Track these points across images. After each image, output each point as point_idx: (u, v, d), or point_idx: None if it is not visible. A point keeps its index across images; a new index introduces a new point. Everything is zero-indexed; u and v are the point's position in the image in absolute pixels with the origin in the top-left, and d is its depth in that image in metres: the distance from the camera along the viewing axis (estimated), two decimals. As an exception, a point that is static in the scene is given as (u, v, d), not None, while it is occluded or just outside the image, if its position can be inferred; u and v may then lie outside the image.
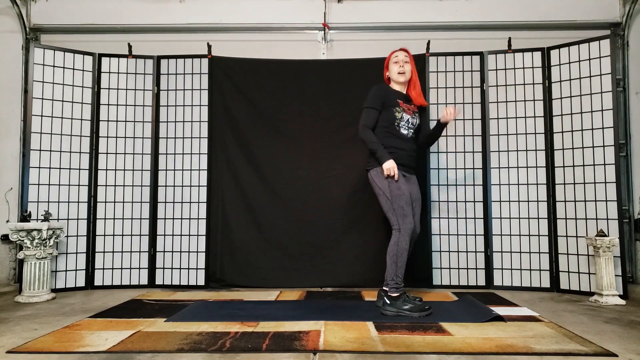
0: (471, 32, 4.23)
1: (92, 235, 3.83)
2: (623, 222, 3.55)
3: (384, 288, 2.90)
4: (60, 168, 3.75)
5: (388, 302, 2.82)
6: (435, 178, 3.89)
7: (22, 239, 3.36)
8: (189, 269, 3.86)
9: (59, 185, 3.74)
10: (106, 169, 3.88)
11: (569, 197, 3.63)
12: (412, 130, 3.04)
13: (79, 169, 3.82)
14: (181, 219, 3.90)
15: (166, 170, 3.94)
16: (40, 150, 3.69)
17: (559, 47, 3.74)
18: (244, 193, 3.94)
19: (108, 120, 3.92)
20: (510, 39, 3.90)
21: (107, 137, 3.91)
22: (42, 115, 3.71)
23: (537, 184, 3.76)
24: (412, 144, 3.06)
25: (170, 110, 3.98)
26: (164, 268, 3.87)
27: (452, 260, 3.82)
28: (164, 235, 3.89)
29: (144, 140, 3.95)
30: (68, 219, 3.75)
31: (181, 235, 3.89)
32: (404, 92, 3.10)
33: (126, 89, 3.96)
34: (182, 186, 3.92)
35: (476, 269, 3.80)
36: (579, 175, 3.60)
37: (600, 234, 3.28)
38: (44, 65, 3.75)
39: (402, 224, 2.85)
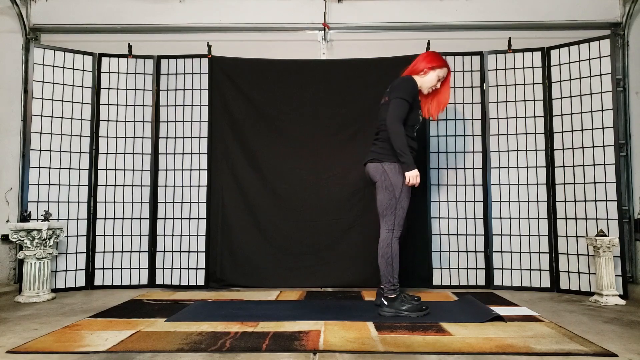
0: (471, 32, 4.23)
1: (92, 235, 3.83)
2: (623, 222, 3.55)
3: (382, 286, 2.90)
4: (60, 168, 3.75)
5: (386, 303, 2.82)
6: (435, 178, 3.89)
7: (22, 239, 3.36)
8: (189, 268, 3.86)
9: (59, 185, 3.74)
10: (106, 169, 3.88)
11: (569, 197, 3.63)
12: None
13: (79, 169, 3.82)
14: (181, 219, 3.90)
15: (166, 170, 3.94)
16: (40, 150, 3.69)
17: (559, 47, 3.74)
18: (244, 193, 3.94)
19: (108, 120, 3.92)
20: (510, 39, 3.90)
21: (107, 137, 3.91)
22: (42, 115, 3.71)
23: (537, 184, 3.76)
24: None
25: (170, 110, 3.98)
26: (164, 268, 3.87)
27: (452, 260, 3.82)
28: (164, 235, 3.89)
29: (144, 140, 3.95)
30: (68, 219, 3.75)
31: (181, 235, 3.89)
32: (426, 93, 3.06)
33: (126, 89, 3.96)
34: (182, 186, 3.92)
35: (476, 269, 3.80)
36: (579, 175, 3.60)
37: (600, 234, 3.28)
38: (44, 65, 3.75)
39: (397, 226, 2.84)
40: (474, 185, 3.86)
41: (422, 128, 3.84)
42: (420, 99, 3.01)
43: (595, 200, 3.51)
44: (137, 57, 3.99)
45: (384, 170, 2.83)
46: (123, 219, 3.87)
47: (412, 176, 2.76)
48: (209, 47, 4.00)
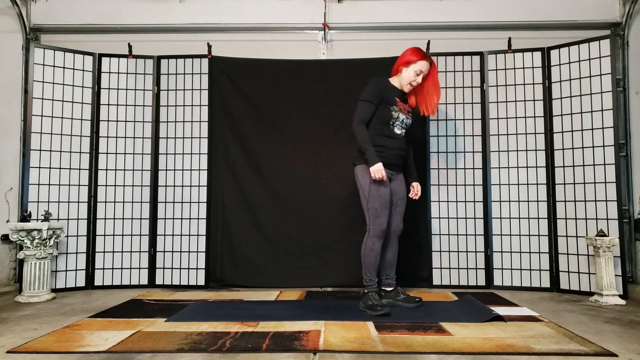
0: (471, 32, 4.22)
1: (92, 235, 3.83)
2: (623, 222, 3.55)
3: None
4: (60, 168, 3.75)
5: (362, 296, 2.92)
6: (435, 178, 3.88)
7: (22, 239, 3.36)
8: (189, 268, 3.86)
9: (59, 185, 3.74)
10: (106, 169, 3.88)
11: (569, 197, 3.63)
12: (404, 130, 3.03)
13: (79, 169, 3.82)
14: (181, 219, 3.90)
15: (166, 170, 3.94)
16: (40, 150, 3.69)
17: (559, 47, 3.74)
18: (244, 193, 3.94)
19: (108, 120, 3.92)
20: (510, 39, 3.90)
21: (107, 137, 3.91)
22: (42, 115, 3.71)
23: (537, 184, 3.76)
24: (403, 143, 3.04)
25: (170, 110, 3.98)
26: (164, 268, 3.87)
27: (452, 260, 3.81)
28: (164, 235, 3.89)
29: (144, 140, 3.95)
30: (68, 219, 3.75)
31: (181, 235, 3.89)
32: (402, 90, 3.07)
33: (126, 89, 3.96)
34: (182, 186, 3.92)
35: (476, 268, 3.80)
36: (579, 175, 3.60)
37: (600, 234, 3.28)
38: (44, 65, 3.75)
39: (372, 224, 2.88)
40: (474, 185, 3.85)
41: (422, 128, 3.86)
42: (411, 96, 3.07)
43: (595, 200, 3.51)
44: (137, 57, 3.99)
45: (356, 173, 2.97)
46: (123, 219, 3.87)
47: (375, 170, 2.81)
48: (209, 47, 4.00)
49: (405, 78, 2.99)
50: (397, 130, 2.98)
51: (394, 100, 2.98)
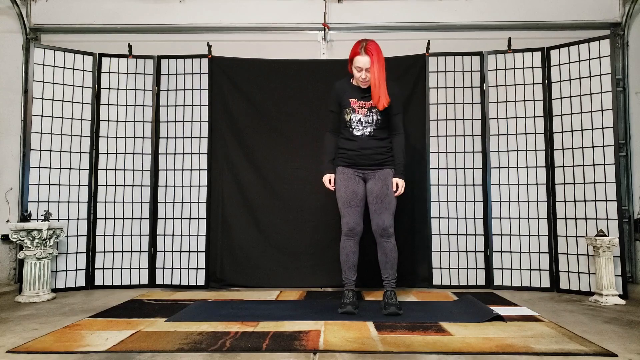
0: (471, 32, 4.23)
1: (92, 235, 3.83)
2: (623, 222, 3.55)
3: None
4: (60, 168, 3.75)
5: None
6: (435, 178, 3.89)
7: (22, 239, 3.36)
8: (189, 268, 3.86)
9: (59, 185, 3.74)
10: (106, 169, 3.88)
11: (569, 197, 3.63)
12: (369, 129, 2.90)
13: (79, 169, 3.82)
14: (181, 218, 3.90)
15: (166, 170, 3.94)
16: (40, 150, 3.69)
17: (558, 47, 3.74)
18: (244, 193, 3.94)
19: (108, 120, 3.92)
20: (510, 39, 3.90)
21: (107, 137, 3.91)
22: (42, 115, 3.71)
23: (537, 184, 3.76)
24: (369, 142, 2.90)
25: (170, 110, 3.98)
26: (164, 268, 3.87)
27: (452, 260, 3.82)
28: (164, 235, 3.89)
29: (144, 140, 3.95)
30: (68, 219, 3.75)
31: (181, 235, 3.89)
32: (364, 87, 2.89)
33: (126, 89, 3.96)
34: (182, 186, 3.92)
35: (476, 268, 3.80)
36: (578, 175, 3.60)
37: (600, 234, 3.28)
38: (44, 65, 3.75)
39: (342, 225, 2.99)
40: (473, 185, 3.86)
41: (422, 128, 3.86)
42: (367, 95, 2.88)
43: (595, 200, 3.51)
44: (137, 57, 3.99)
45: None
46: (123, 218, 3.87)
47: (323, 180, 3.06)
48: (209, 47, 4.00)
49: (356, 78, 2.89)
50: (357, 132, 2.90)
51: (348, 103, 2.92)
